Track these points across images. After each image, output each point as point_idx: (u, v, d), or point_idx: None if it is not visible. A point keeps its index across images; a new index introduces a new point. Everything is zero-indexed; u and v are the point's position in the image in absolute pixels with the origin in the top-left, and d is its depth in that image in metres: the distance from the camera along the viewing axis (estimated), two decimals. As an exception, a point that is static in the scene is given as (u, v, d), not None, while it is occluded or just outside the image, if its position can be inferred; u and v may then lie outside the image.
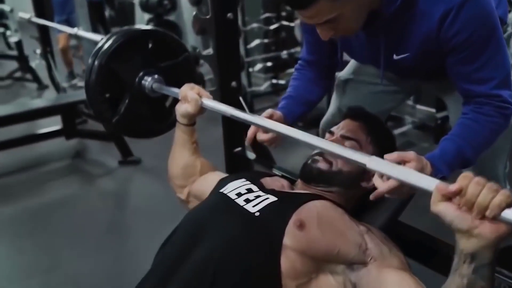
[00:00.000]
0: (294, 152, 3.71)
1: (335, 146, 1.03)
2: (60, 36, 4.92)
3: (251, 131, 1.34)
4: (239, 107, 1.80)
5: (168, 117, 1.59)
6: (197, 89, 1.37)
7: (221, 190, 1.19)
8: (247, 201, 1.11)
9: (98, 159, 3.55)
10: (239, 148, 1.85)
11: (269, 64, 4.85)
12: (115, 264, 2.31)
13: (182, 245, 1.06)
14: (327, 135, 1.30)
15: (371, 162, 0.94)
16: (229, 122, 1.76)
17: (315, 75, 1.51)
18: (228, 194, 1.15)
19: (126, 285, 2.13)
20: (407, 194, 1.09)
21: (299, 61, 1.54)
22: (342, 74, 1.63)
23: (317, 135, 3.57)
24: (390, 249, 1.06)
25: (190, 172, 1.44)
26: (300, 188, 1.27)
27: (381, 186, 1.01)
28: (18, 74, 6.03)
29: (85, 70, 1.57)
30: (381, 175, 1.00)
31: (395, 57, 1.26)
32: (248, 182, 1.19)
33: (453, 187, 0.76)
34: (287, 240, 1.01)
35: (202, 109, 1.37)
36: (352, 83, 1.59)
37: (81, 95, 3.44)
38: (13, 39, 5.91)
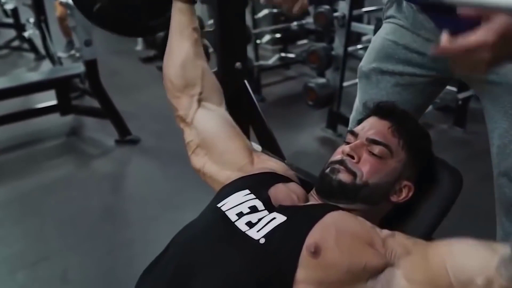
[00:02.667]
0: (302, 132, 3.55)
1: None
2: (57, 3, 4.65)
3: None
4: (245, 93, 1.57)
5: (163, 13, 1.26)
6: None
7: (219, 205, 0.97)
8: (250, 224, 0.90)
9: (94, 138, 3.37)
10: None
11: (278, 35, 4.64)
12: (107, 256, 2.16)
13: (169, 284, 0.86)
14: (349, 136, 1.08)
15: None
16: (230, 107, 1.52)
17: None
18: (228, 213, 0.94)
19: (118, 281, 2.01)
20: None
21: None
22: (363, 64, 1.37)
23: (329, 116, 3.39)
24: (414, 241, 0.91)
25: (190, 74, 1.17)
26: (315, 199, 1.05)
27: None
28: (16, 43, 5.78)
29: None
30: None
31: None
32: (252, 197, 0.98)
33: None
34: (300, 273, 0.82)
35: None
36: (374, 73, 1.34)
37: (77, 68, 3.26)
38: (8, 6, 5.64)
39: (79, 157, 3.18)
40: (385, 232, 0.92)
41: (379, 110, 1.09)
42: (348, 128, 1.52)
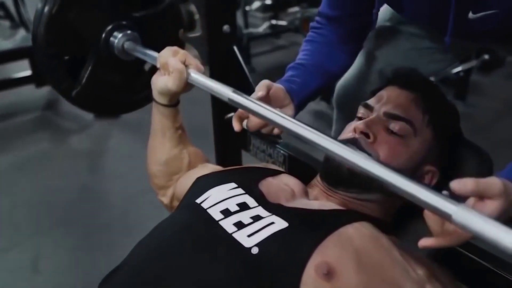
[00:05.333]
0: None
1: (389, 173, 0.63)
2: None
3: (236, 116, 0.94)
4: (233, 58, 1.36)
5: (147, 86, 1.17)
6: (182, 55, 0.93)
7: (198, 200, 0.78)
8: (240, 226, 0.71)
9: (71, 111, 3.12)
10: (232, 114, 1.41)
11: (268, 2, 4.37)
12: (84, 243, 1.98)
13: None
14: (362, 110, 0.89)
15: (460, 213, 0.54)
16: (217, 75, 1.31)
17: (338, 37, 1.05)
18: (210, 211, 0.75)
19: (95, 271, 1.83)
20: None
21: (317, 18, 1.08)
22: (378, 22, 1.17)
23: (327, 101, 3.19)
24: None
25: (175, 168, 1.06)
26: (318, 193, 0.86)
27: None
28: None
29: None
30: None
31: (471, 15, 0.85)
32: (240, 191, 0.79)
33: None
34: None
35: (188, 85, 0.94)
36: (388, 34, 1.13)
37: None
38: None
39: (54, 132, 2.96)
40: (420, 271, 0.72)
41: (399, 77, 0.90)
42: (335, 95, 1.33)
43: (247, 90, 1.41)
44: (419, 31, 1.09)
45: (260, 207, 0.75)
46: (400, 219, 0.91)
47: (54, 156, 2.66)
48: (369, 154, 0.80)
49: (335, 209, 0.79)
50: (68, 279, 1.77)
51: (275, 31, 4.40)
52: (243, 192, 0.78)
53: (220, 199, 0.76)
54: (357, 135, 0.83)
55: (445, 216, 0.56)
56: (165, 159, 1.05)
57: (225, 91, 0.86)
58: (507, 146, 2.20)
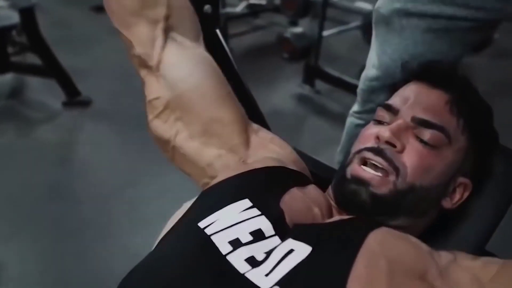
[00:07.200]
0: (276, 89, 3.21)
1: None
2: None
3: None
4: (217, 44, 1.19)
5: None
6: None
7: (201, 224, 0.62)
8: (253, 262, 0.57)
9: (38, 100, 2.94)
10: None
11: (246, -20, 4.19)
12: (53, 246, 1.80)
13: None
14: (381, 113, 0.75)
15: None
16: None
17: None
18: (215, 240, 0.59)
19: (67, 278, 1.68)
20: None
21: None
22: (381, 4, 1.01)
23: (306, 70, 3.06)
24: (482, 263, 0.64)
25: None
26: (336, 210, 0.72)
27: None
28: None
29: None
30: None
31: None
32: (255, 213, 0.63)
33: None
34: None
35: None
36: (398, 17, 0.98)
37: (11, 18, 2.78)
38: None
39: (20, 123, 2.76)
40: (445, 257, 0.63)
41: (429, 73, 0.76)
42: (358, 93, 1.18)
43: (232, 78, 1.26)
44: (436, 11, 0.95)
45: (276, 237, 0.60)
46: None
47: (19, 149, 2.47)
48: (397, 167, 0.67)
49: (357, 217, 0.68)
50: (36, 290, 1.61)
51: (253, 11, 4.22)
52: (259, 213, 0.63)
53: (229, 224, 0.61)
54: (382, 145, 0.69)
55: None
56: None
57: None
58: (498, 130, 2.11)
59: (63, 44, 3.02)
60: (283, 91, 3.10)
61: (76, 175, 2.28)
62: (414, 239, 0.64)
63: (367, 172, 0.68)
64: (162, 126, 0.78)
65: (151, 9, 0.76)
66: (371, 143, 0.70)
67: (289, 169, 0.75)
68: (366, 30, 3.12)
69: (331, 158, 1.46)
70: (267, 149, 0.79)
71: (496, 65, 3.22)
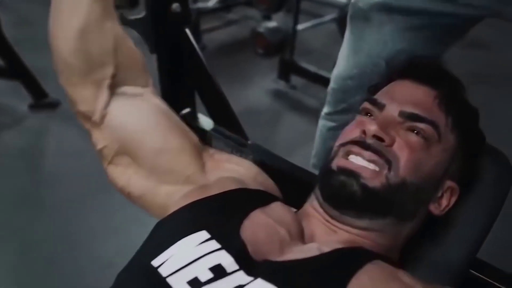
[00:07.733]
0: (250, 85, 3.15)
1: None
2: None
3: None
4: (186, 45, 1.13)
5: None
6: None
7: (154, 263, 0.56)
8: None
9: (3, 103, 2.80)
10: (187, 110, 1.18)
11: (217, -27, 4.14)
12: (19, 260, 1.71)
13: None
14: (367, 106, 0.70)
15: None
16: (169, 74, 1.09)
17: None
18: (171, 282, 0.53)
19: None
20: None
21: None
22: None
23: (281, 65, 3.02)
24: None
25: (96, 50, 0.71)
26: (315, 226, 0.66)
27: None
28: None
29: None
30: None
31: None
32: (215, 245, 0.57)
33: None
34: None
35: None
36: (377, 12, 0.93)
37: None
38: None
39: (-17, 128, 2.64)
40: None
41: (415, 69, 0.71)
42: (330, 94, 1.13)
43: (203, 78, 1.20)
44: (419, 5, 0.90)
45: (241, 272, 0.54)
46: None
47: (-18, 156, 2.36)
48: (389, 160, 0.62)
49: (339, 248, 0.60)
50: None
51: (226, 5, 4.15)
52: (218, 247, 0.57)
53: (185, 262, 0.55)
54: (368, 140, 0.64)
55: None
56: (82, 26, 0.68)
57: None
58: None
59: (27, 43, 2.88)
60: (258, 87, 3.05)
61: (44, 181, 2.19)
62: (407, 279, 0.58)
63: (355, 164, 0.63)
64: (116, 172, 0.76)
65: (99, 70, 0.72)
66: (357, 136, 0.66)
67: (249, 189, 0.71)
68: (342, 23, 3.09)
69: (308, 154, 1.42)
70: (225, 169, 0.75)
71: (466, 55, 3.22)
